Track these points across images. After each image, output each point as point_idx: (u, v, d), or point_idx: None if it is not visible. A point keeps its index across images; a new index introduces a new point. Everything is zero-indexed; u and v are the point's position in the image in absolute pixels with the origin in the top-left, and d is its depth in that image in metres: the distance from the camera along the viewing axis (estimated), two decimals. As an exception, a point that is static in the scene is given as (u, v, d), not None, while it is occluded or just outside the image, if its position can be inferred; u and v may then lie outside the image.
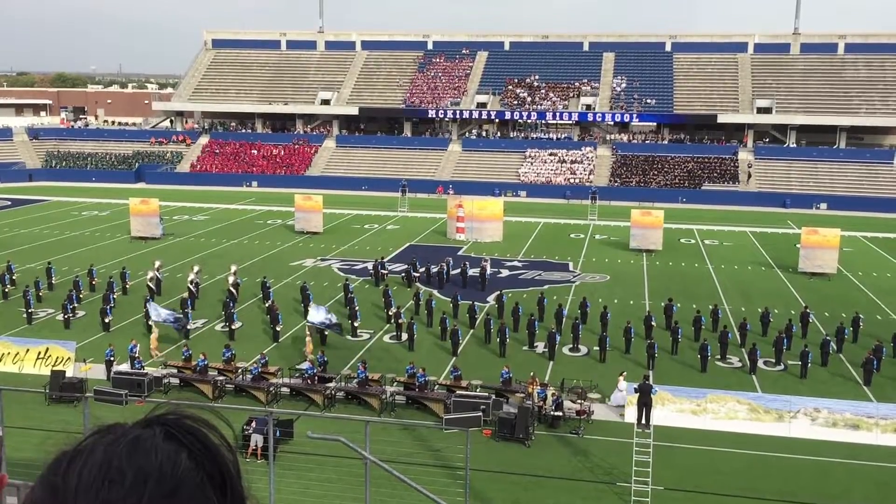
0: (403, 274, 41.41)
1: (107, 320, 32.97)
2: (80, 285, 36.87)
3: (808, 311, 33.96)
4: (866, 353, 28.88)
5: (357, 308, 33.57)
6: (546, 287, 40.35)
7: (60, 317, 33.97)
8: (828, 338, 30.52)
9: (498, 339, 30.84)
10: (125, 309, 35.46)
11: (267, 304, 35.10)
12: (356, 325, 33.06)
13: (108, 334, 32.28)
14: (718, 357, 30.17)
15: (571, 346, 31.49)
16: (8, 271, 38.79)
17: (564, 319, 33.00)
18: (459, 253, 48.38)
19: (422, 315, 34.62)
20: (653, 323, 32.22)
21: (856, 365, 29.47)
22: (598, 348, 30.63)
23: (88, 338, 31.68)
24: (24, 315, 33.97)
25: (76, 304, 34.83)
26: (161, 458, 1.30)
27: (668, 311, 33.63)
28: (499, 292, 37.11)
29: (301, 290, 36.62)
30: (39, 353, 28.71)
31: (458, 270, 41.42)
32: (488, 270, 41.42)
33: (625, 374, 26.57)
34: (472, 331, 33.28)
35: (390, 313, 34.28)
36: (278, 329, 32.34)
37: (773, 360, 29.85)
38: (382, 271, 41.20)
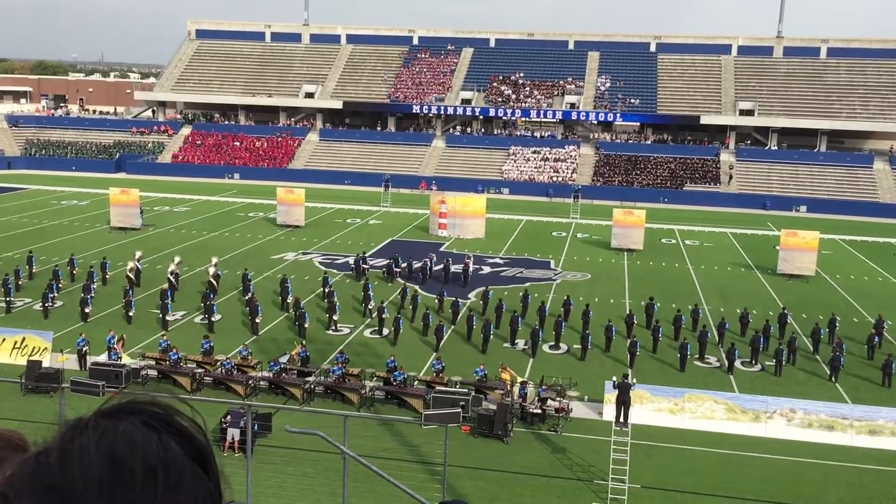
0: (385, 269, 41.37)
1: (87, 310, 32.74)
2: (59, 275, 36.47)
3: (786, 312, 34.44)
4: (832, 350, 29.59)
5: (336, 302, 33.55)
6: (527, 284, 40.43)
7: (38, 306, 33.72)
8: (794, 335, 31.19)
9: (482, 335, 30.86)
10: (105, 299, 35.16)
11: (247, 297, 34.98)
12: (335, 318, 33.08)
13: (86, 324, 32.05)
14: (697, 356, 30.45)
15: (552, 343, 31.59)
16: None
17: (546, 317, 33.10)
18: (441, 249, 48.38)
19: (407, 310, 34.66)
20: (634, 321, 32.41)
21: (854, 374, 29.67)
22: (578, 346, 30.77)
23: (67, 327, 31.43)
24: (3, 303, 33.71)
25: (55, 294, 34.49)
26: (158, 449, 1.29)
27: (649, 311, 33.84)
28: (485, 288, 37.20)
29: (281, 284, 36.53)
30: (16, 342, 28.42)
31: (440, 266, 41.47)
32: (471, 267, 41.49)
33: None
34: (453, 326, 33.31)
35: (369, 307, 34.30)
36: (258, 321, 32.32)
37: (750, 360, 30.22)
38: (363, 266, 41.16)
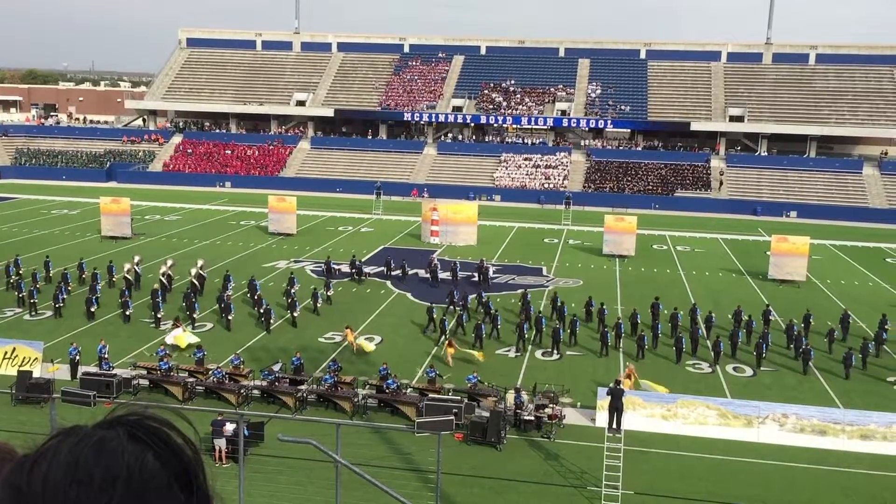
0: (354, 271, 42.27)
1: (92, 309, 33.93)
2: (68, 278, 37.22)
3: (769, 308, 35.92)
4: (805, 344, 31.07)
5: (296, 300, 34.51)
6: (518, 291, 40.48)
7: (28, 315, 34.37)
8: (767, 331, 32.52)
9: (515, 334, 32.04)
10: (110, 300, 35.86)
11: (221, 294, 35.69)
12: (295, 315, 34.17)
13: (91, 324, 33.06)
14: (691, 352, 31.78)
15: (546, 350, 31.80)
16: (15, 265, 39.14)
17: (565, 316, 34.08)
18: (434, 256, 48.33)
19: (451, 313, 35.41)
20: (638, 320, 33.73)
21: (820, 368, 30.56)
22: (572, 353, 30.92)
23: (59, 336, 31.49)
24: (28, 305, 35.01)
25: (66, 296, 35.25)
26: (128, 458, 1.30)
27: (655, 310, 34.71)
28: (523, 290, 38.09)
29: (249, 283, 37.35)
30: (6, 352, 28.27)
31: (448, 272, 42.78)
32: (492, 272, 43.08)
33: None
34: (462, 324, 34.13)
35: (318, 305, 35.49)
36: (230, 318, 33.51)
37: (744, 366, 30.77)
38: (335, 267, 42.49)
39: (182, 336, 30.61)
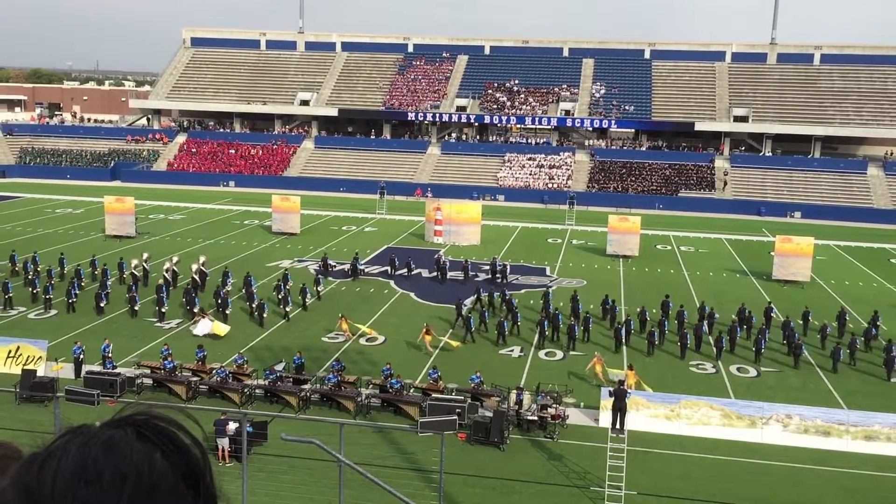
0: (349, 268, 42.68)
1: (101, 304, 34.57)
2: (81, 274, 37.84)
3: (771, 306, 36.55)
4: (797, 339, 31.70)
5: (289, 296, 35.10)
6: (523, 291, 40.53)
7: (33, 315, 34.46)
8: (764, 327, 33.12)
9: (536, 331, 32.69)
10: (119, 297, 36.23)
11: (220, 290, 35.91)
12: (287, 310, 34.79)
13: (97, 323, 33.44)
14: (694, 348, 32.23)
15: (548, 351, 31.93)
16: (33, 262, 39.50)
17: (580, 314, 34.55)
18: (441, 253, 48.35)
19: (476, 310, 35.85)
20: (647, 317, 34.26)
21: (823, 368, 30.74)
22: (575, 353, 31.04)
23: (77, 328, 32.24)
24: (43, 301, 35.52)
25: (78, 292, 35.75)
26: (137, 458, 1.31)
27: (665, 307, 35.26)
28: (545, 290, 38.53)
29: (244, 280, 37.74)
30: (10, 351, 28.33)
31: (459, 270, 43.09)
32: (508, 270, 43.32)
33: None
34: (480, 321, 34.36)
35: (306, 300, 35.78)
36: (227, 313, 33.96)
37: (747, 367, 30.84)
38: (332, 264, 43.24)
39: (216, 325, 32.05)
